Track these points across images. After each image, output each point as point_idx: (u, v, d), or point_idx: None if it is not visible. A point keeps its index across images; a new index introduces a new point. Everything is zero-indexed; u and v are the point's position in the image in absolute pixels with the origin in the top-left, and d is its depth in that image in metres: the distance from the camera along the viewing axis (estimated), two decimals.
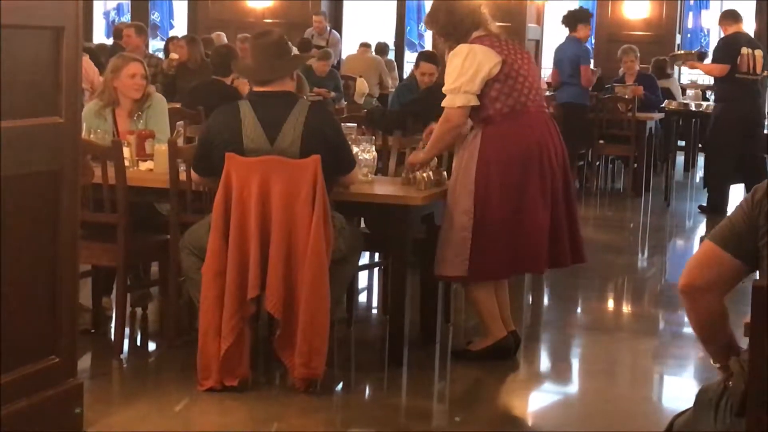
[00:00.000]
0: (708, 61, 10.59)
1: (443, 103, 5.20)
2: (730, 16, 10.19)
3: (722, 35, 10.33)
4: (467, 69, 5.12)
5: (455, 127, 5.20)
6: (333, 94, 12.06)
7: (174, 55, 11.08)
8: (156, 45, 18.05)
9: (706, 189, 10.40)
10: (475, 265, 5.14)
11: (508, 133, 5.16)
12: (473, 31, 5.23)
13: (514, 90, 5.17)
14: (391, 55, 16.20)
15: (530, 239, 5.17)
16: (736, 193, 10.44)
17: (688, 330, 6.31)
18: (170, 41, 11.89)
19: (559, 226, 5.28)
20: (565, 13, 11.03)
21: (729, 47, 9.97)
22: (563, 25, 10.90)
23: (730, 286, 2.85)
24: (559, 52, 10.89)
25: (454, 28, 5.26)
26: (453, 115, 5.18)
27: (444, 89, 5.21)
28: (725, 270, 2.85)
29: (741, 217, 2.84)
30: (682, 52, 10.84)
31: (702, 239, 3.02)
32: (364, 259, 6.42)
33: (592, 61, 11.39)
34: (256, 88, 4.98)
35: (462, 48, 5.18)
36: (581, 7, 11.95)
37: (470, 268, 5.15)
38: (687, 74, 18.57)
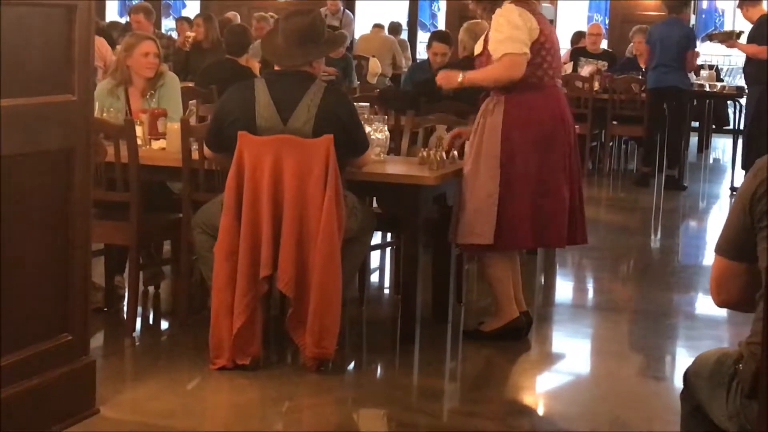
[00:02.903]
0: (743, 41, 10.35)
1: (506, 50, 5.06)
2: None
3: (740, 17, 10.21)
4: (520, 25, 5.09)
5: (513, 77, 5.08)
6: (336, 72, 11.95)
7: (190, 33, 11.04)
8: (168, 24, 18.01)
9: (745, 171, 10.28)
10: (502, 234, 5.14)
11: (532, 102, 5.15)
12: None
13: (545, 61, 5.17)
14: (404, 35, 16.15)
15: (554, 212, 5.20)
16: None
17: (701, 311, 6.32)
18: (179, 21, 11.85)
19: (574, 203, 5.31)
20: None
21: None
22: (666, 8, 10.69)
23: (760, 284, 2.81)
24: (659, 32, 10.49)
25: None
26: (518, 62, 5.07)
27: (498, 39, 5.10)
28: (746, 279, 2.82)
29: (740, 219, 2.79)
30: (720, 31, 10.57)
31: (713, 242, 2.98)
32: (377, 238, 6.42)
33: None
34: (276, 67, 4.95)
35: (511, 6, 5.14)
36: None
37: (497, 236, 5.14)
38: (701, 55, 18.48)
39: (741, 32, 10.07)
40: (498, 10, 5.18)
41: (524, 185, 5.14)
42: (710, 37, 10.87)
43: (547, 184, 5.18)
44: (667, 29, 10.45)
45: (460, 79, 5.32)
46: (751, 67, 10.08)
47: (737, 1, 10.52)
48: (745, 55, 10.33)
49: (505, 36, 5.09)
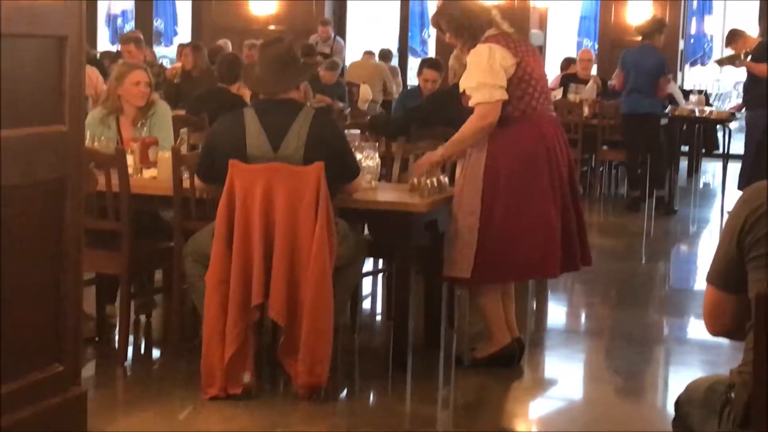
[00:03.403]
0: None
1: (477, 100, 5.10)
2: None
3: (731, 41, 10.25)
4: (493, 65, 5.09)
5: (491, 124, 5.10)
6: (341, 104, 12.02)
7: (177, 64, 11.07)
8: (160, 51, 18.06)
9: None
10: (479, 267, 5.14)
11: (517, 136, 5.15)
12: (486, 29, 5.21)
13: (526, 93, 5.16)
14: (395, 62, 16.21)
15: (540, 243, 5.16)
16: None
17: (693, 336, 6.32)
18: (180, 48, 11.90)
19: (570, 230, 5.30)
20: (640, 22, 10.96)
21: None
22: (639, 34, 10.77)
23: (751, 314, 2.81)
24: (633, 58, 10.55)
25: (468, 24, 5.22)
26: (491, 110, 5.09)
27: (470, 86, 5.13)
28: (737, 308, 2.83)
29: (729, 250, 2.79)
30: (727, 55, 10.58)
31: (704, 279, 2.98)
32: (368, 265, 6.42)
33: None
34: (262, 96, 4.98)
35: (482, 47, 5.14)
36: (656, 16, 11.83)
37: (474, 269, 5.14)
38: (689, 80, 18.58)
39: (747, 52, 10.07)
40: (472, 51, 5.17)
41: (505, 219, 5.12)
42: (719, 63, 10.88)
43: (535, 217, 5.14)
44: (641, 56, 10.52)
45: (440, 153, 5.29)
46: (756, 89, 10.04)
47: (725, 41, 10.57)
48: (744, 78, 10.39)
49: (476, 83, 5.11)
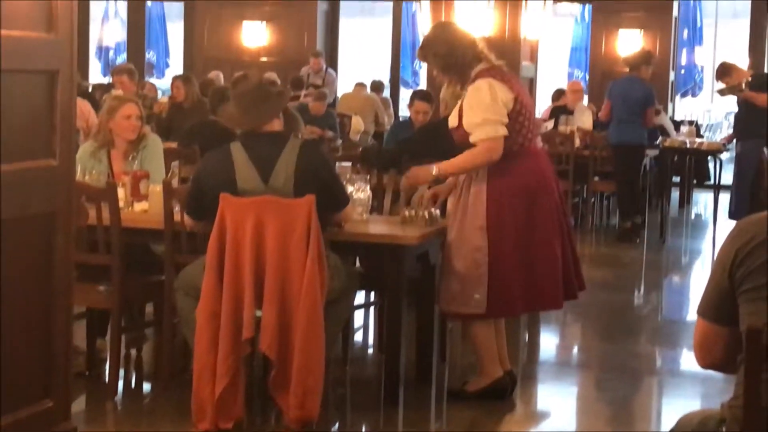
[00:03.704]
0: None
1: (482, 135, 5.08)
2: None
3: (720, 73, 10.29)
4: (495, 101, 5.09)
5: (497, 158, 5.10)
6: (330, 133, 12.03)
7: (163, 99, 11.10)
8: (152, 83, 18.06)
9: None
10: (494, 302, 5.13)
11: (516, 169, 5.15)
12: (475, 64, 5.21)
13: (523, 127, 5.17)
14: (386, 93, 16.26)
15: (547, 274, 5.19)
16: None
17: (685, 368, 6.31)
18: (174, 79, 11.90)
19: (567, 259, 5.32)
20: (628, 54, 11.05)
21: None
22: (626, 66, 10.84)
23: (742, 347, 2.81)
24: (620, 89, 10.60)
25: (455, 60, 5.20)
26: (497, 146, 5.09)
27: (474, 122, 5.10)
28: (728, 341, 2.81)
29: (721, 283, 2.79)
30: (727, 85, 10.60)
31: (695, 311, 2.97)
32: (360, 298, 6.41)
33: None
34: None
35: (482, 83, 5.13)
36: (644, 48, 11.90)
37: (489, 305, 5.13)
38: (680, 111, 18.65)
39: (748, 81, 10.08)
40: (470, 88, 5.16)
41: (514, 253, 5.13)
42: (721, 93, 10.91)
43: (538, 247, 5.17)
44: (628, 86, 10.58)
45: (435, 173, 5.29)
46: (749, 120, 10.01)
47: (716, 75, 10.60)
48: (736, 109, 10.42)
49: (481, 119, 5.09)
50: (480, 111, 5.10)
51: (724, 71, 10.39)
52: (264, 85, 5.02)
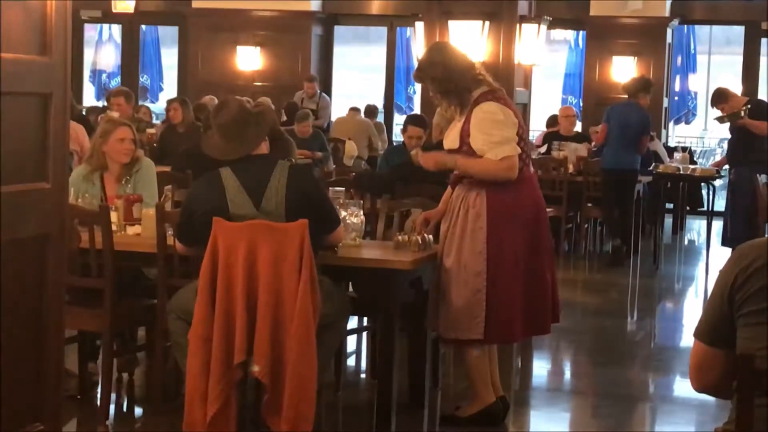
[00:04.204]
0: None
1: (503, 153, 5.08)
2: None
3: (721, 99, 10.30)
4: (507, 121, 5.12)
5: (514, 177, 5.11)
6: (320, 154, 11.97)
7: (151, 131, 11.14)
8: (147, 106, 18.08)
9: None
10: (493, 327, 5.12)
11: (514, 193, 5.16)
12: (474, 88, 5.20)
13: (523, 152, 5.19)
14: (380, 118, 16.27)
15: (540, 299, 5.21)
16: None
17: (678, 394, 6.30)
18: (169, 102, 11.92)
19: (553, 283, 5.34)
20: (627, 80, 11.14)
21: None
22: (625, 92, 10.89)
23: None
24: (618, 114, 10.64)
25: (454, 84, 5.18)
26: (517, 164, 5.12)
27: (492, 141, 5.10)
28: (724, 365, 2.81)
29: (719, 306, 2.79)
30: (724, 112, 10.61)
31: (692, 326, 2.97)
32: (353, 322, 6.40)
33: None
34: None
35: (492, 105, 5.13)
36: (644, 76, 11.95)
37: (487, 330, 5.12)
38: (674, 137, 18.70)
39: (746, 108, 10.08)
40: (477, 109, 5.15)
41: (512, 278, 5.13)
42: (720, 120, 10.93)
43: (535, 272, 5.19)
44: (626, 112, 10.62)
45: (451, 165, 5.29)
46: (743, 147, 9.99)
47: (711, 101, 10.61)
48: (729, 136, 10.42)
49: (499, 138, 5.10)
50: (497, 131, 5.11)
51: (720, 97, 10.40)
52: (244, 110, 4.98)
